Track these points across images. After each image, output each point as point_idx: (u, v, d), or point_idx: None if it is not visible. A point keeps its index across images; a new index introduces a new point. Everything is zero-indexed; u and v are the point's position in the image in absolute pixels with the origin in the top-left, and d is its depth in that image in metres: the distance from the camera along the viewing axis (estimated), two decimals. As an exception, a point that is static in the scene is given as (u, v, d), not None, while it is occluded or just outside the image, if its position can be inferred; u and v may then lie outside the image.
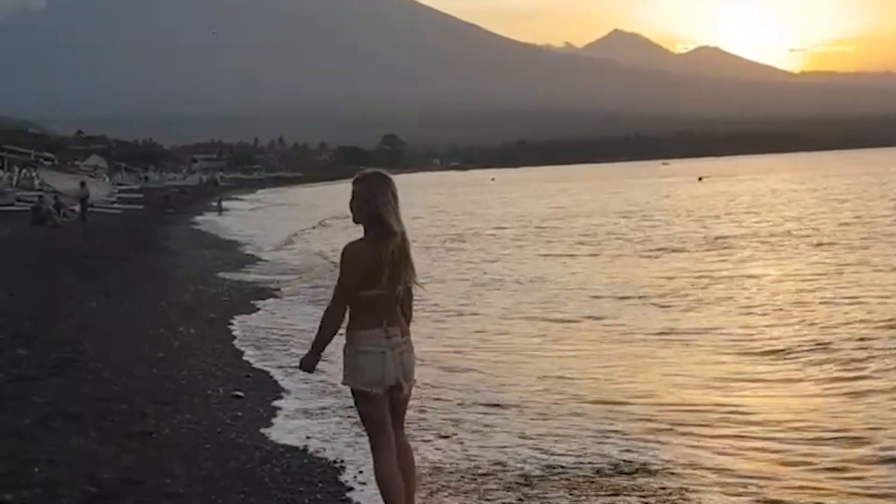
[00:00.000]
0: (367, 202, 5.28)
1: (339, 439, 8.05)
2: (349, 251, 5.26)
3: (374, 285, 5.25)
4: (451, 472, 7.18)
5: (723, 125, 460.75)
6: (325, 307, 5.46)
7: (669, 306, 16.66)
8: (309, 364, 5.45)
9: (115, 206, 58.32)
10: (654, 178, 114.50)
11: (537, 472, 7.15)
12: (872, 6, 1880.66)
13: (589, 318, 15.62)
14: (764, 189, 71.00)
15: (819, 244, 27.01)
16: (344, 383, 5.43)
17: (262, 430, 8.23)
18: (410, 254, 5.39)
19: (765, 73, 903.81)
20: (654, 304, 16.94)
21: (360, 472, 7.03)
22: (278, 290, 19.82)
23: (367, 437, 5.56)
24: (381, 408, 5.36)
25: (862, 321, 13.86)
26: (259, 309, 17.01)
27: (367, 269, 5.22)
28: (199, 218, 54.75)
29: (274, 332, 14.23)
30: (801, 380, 10.50)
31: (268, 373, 11.02)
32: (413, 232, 6.07)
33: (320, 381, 9.96)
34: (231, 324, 15.07)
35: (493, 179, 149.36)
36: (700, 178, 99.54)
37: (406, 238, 5.36)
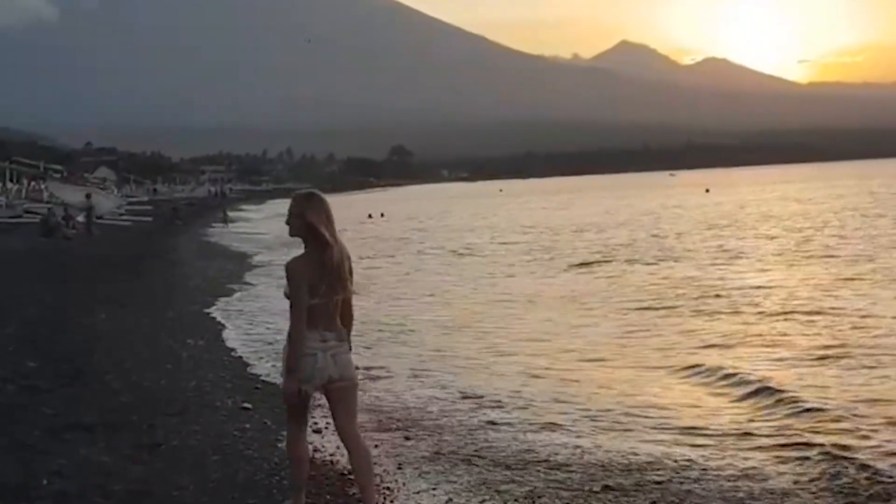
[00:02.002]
0: (300, 217, 5.71)
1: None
2: (293, 267, 5.73)
3: (315, 295, 5.68)
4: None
5: (731, 136, 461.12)
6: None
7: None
8: (292, 389, 5.78)
9: (124, 217, 58.43)
10: (662, 190, 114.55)
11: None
12: (880, 17, 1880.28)
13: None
14: (772, 200, 71.06)
15: (824, 256, 27.10)
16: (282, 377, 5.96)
17: (270, 442, 8.24)
18: (348, 268, 5.80)
19: (772, 84, 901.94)
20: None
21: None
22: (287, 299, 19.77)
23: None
24: (301, 405, 5.93)
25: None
26: (268, 320, 17.04)
27: (311, 281, 5.66)
28: (207, 229, 54.84)
29: (283, 343, 14.22)
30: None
31: (276, 384, 11.01)
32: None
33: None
34: (240, 334, 15.10)
35: (500, 191, 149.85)
36: (707, 190, 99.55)
37: (345, 253, 5.79)
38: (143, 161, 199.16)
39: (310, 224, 5.67)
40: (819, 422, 9.02)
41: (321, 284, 5.68)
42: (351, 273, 5.86)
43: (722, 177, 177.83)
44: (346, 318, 5.92)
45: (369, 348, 13.89)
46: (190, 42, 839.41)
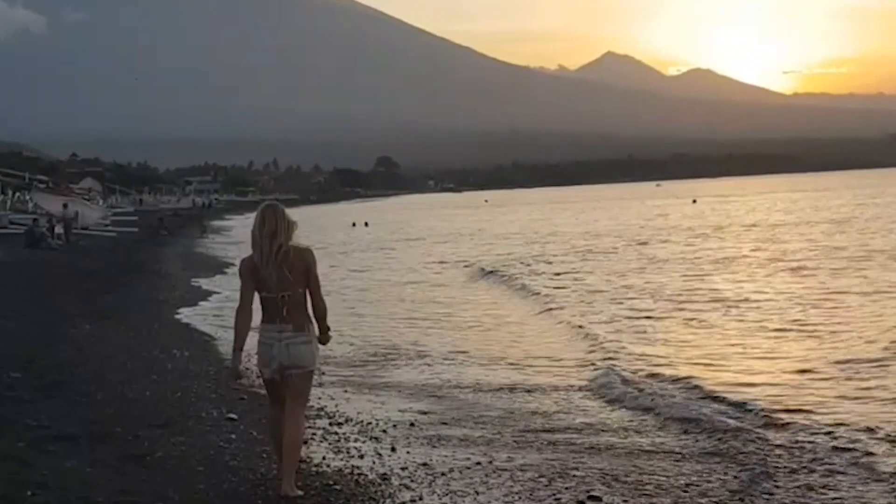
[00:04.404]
0: (254, 225, 6.68)
1: (332, 463, 8.07)
2: (240, 264, 6.83)
3: (263, 289, 6.65)
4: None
5: (716, 147, 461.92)
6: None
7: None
8: (233, 365, 6.99)
9: (109, 228, 58.18)
10: (651, 200, 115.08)
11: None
12: (864, 29, 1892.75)
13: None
14: (758, 209, 71.52)
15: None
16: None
17: (256, 453, 8.21)
18: (299, 270, 6.61)
19: (758, 95, 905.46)
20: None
21: (354, 494, 7.07)
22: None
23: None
24: (273, 386, 6.84)
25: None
26: (255, 329, 16.97)
27: (254, 277, 6.66)
28: (193, 240, 54.79)
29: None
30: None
31: (262, 393, 10.98)
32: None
33: (311, 406, 9.98)
34: (225, 345, 15.04)
35: (486, 201, 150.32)
36: (694, 201, 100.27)
37: (292, 256, 6.59)
38: (128, 172, 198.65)
39: (255, 234, 6.66)
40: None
41: (266, 280, 6.61)
42: (306, 275, 6.66)
43: (707, 187, 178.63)
44: (315, 311, 6.77)
45: (362, 364, 13.94)
46: (176, 54, 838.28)
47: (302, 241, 6.82)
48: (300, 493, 6.85)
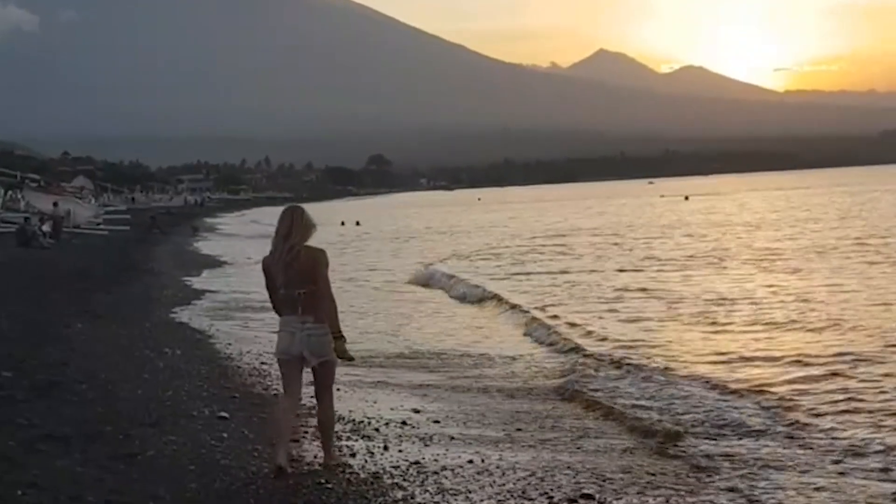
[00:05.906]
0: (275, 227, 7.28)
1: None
2: (262, 263, 7.39)
3: (281, 287, 7.21)
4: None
5: (708, 144, 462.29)
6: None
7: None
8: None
9: (102, 227, 58.06)
10: (643, 198, 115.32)
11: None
12: (856, 25, 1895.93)
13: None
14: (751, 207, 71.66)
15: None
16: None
17: (247, 452, 8.20)
18: (308, 269, 7.10)
19: (750, 92, 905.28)
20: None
21: (346, 493, 7.07)
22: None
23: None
24: (289, 373, 7.42)
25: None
26: (248, 327, 16.99)
27: (270, 273, 7.28)
28: (186, 238, 54.73)
29: (263, 352, 14.19)
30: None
31: (254, 392, 11.01)
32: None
33: (303, 403, 9.96)
34: (218, 343, 15.03)
35: (479, 199, 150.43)
36: (686, 198, 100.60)
37: (303, 256, 7.10)
38: (120, 170, 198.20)
39: (274, 236, 7.20)
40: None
41: (278, 278, 7.19)
42: (315, 273, 7.12)
43: (700, 184, 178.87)
44: (327, 307, 7.16)
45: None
46: (168, 52, 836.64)
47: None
48: (341, 459, 7.88)
